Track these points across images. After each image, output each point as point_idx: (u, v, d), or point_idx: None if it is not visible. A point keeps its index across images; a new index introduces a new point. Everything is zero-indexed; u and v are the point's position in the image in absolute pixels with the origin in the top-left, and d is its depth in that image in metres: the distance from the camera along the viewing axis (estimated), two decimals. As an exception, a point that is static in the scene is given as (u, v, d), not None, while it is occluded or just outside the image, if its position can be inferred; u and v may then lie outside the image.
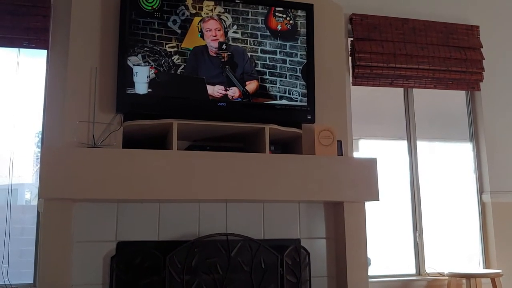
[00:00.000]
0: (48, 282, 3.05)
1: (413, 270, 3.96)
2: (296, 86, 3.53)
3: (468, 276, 3.60)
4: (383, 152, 4.04)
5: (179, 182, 3.17)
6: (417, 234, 4.00)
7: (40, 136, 3.58)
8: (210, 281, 3.27)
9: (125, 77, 3.21)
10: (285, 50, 3.54)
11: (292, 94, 3.51)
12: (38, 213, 3.39)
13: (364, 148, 4.05)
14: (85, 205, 3.23)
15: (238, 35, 3.44)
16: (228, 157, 3.31)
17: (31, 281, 3.30)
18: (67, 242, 3.11)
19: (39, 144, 3.63)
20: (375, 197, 3.57)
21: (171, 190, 3.16)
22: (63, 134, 3.19)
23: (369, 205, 3.68)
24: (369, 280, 3.57)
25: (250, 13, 3.49)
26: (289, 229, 3.61)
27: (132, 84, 3.21)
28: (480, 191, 4.20)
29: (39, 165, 3.08)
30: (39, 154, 3.18)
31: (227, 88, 3.36)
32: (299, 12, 3.58)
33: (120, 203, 3.30)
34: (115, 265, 3.20)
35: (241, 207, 3.53)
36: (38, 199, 3.16)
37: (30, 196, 3.69)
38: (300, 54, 3.55)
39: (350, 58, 4.13)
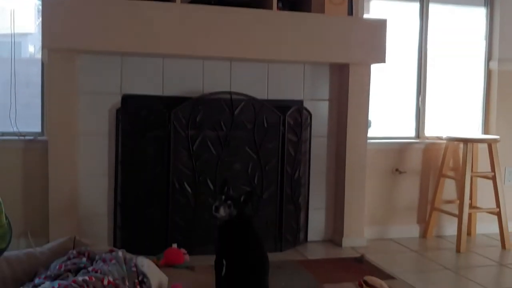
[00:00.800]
0: (55, 131, 3.14)
1: (412, 134, 4.04)
2: None
3: (466, 141, 3.68)
4: (394, 14, 3.90)
5: (182, 36, 3.12)
6: (420, 98, 4.01)
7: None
8: (214, 137, 3.36)
9: None
10: None
11: None
12: (43, 66, 3.39)
13: (375, 10, 3.91)
14: (89, 57, 3.22)
15: None
16: (233, 13, 3.22)
17: (39, 130, 3.39)
18: (72, 92, 3.15)
19: (39, -5, 3.52)
20: (381, 59, 3.54)
21: (174, 44, 3.12)
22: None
23: (374, 67, 3.66)
24: (368, 141, 3.66)
25: None
26: (292, 91, 3.63)
27: None
28: (488, 58, 4.13)
29: (41, 17, 3.01)
30: (40, 7, 3.09)
31: None
32: None
33: (124, 57, 3.28)
34: (121, 117, 3.27)
35: (246, 66, 3.52)
36: (42, 49, 3.13)
37: (33, 49, 3.65)
38: None
39: None
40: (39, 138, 3.31)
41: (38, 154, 3.25)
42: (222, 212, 2.52)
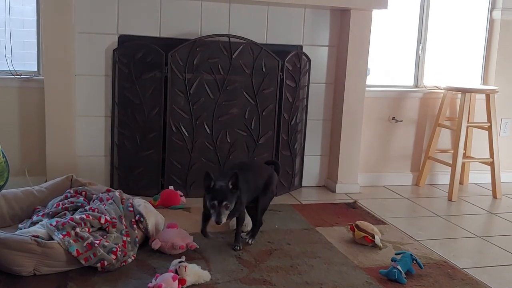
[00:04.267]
0: (51, 70, 3.12)
1: (411, 83, 4.02)
2: None
3: (464, 91, 3.67)
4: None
5: (181, -24, 3.04)
6: (420, 47, 3.97)
7: None
8: (212, 81, 3.34)
9: None
10: None
11: None
12: (38, 4, 3.31)
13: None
14: (85, -4, 3.16)
15: None
16: (233, -48, 3.14)
17: (35, 69, 3.35)
18: (68, 31, 3.11)
19: None
20: (383, 5, 3.48)
21: (172, -17, 3.05)
22: None
23: (376, 14, 3.60)
24: (366, 89, 3.65)
25: None
26: (292, 35, 3.58)
27: None
28: (492, 7, 4.06)
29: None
30: None
31: None
32: None
33: (121, -4, 3.22)
34: (117, 58, 3.24)
35: (245, 9, 3.45)
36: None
37: (28, -14, 3.56)
38: None
39: None
40: (35, 77, 3.28)
41: (34, 93, 3.23)
42: (225, 217, 2.32)
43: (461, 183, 4.00)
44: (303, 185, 3.76)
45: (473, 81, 4.16)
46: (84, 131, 3.30)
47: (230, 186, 2.35)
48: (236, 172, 2.36)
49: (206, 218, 2.49)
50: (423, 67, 3.99)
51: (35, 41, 3.35)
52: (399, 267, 2.29)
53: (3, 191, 2.46)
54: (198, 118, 3.33)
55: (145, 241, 2.50)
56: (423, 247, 2.72)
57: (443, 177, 3.99)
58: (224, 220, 2.31)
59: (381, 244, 2.66)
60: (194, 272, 2.15)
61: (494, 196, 3.79)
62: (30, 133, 3.29)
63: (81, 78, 3.23)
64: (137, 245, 2.41)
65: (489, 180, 3.85)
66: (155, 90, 3.25)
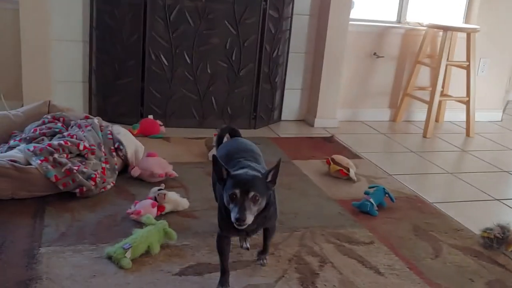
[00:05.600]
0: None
1: (394, 18, 3.98)
2: None
3: (445, 28, 3.66)
4: None
5: None
6: (406, -19, 3.90)
7: None
8: (192, 7, 3.25)
9: None
10: None
11: None
12: None
13: None
14: None
15: None
16: None
17: None
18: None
19: None
20: None
21: None
22: None
23: None
24: (350, 22, 3.61)
25: None
26: (277, -38, 3.48)
27: None
28: None
29: None
30: None
31: None
32: None
33: None
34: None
35: None
36: None
37: None
38: None
39: None
40: (10, -3, 3.16)
41: (9, 14, 3.12)
42: (250, 216, 1.52)
43: (436, 120, 4.06)
44: (282, 118, 3.78)
45: (456, 20, 4.14)
46: (61, 56, 3.22)
47: (269, 178, 1.60)
48: (280, 160, 1.62)
49: (223, 241, 1.70)
50: (407, 3, 3.94)
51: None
52: (371, 200, 2.36)
53: (-21, 115, 2.43)
54: (178, 47, 3.27)
55: (125, 168, 2.52)
56: (396, 182, 2.80)
57: (419, 114, 4.04)
58: (249, 219, 1.51)
59: (355, 178, 2.73)
60: (173, 199, 2.19)
61: (468, 135, 3.87)
62: (5, 56, 3.20)
63: (57, 0, 3.12)
64: (116, 172, 2.43)
65: (464, 118, 3.92)
66: (135, 15, 3.16)
